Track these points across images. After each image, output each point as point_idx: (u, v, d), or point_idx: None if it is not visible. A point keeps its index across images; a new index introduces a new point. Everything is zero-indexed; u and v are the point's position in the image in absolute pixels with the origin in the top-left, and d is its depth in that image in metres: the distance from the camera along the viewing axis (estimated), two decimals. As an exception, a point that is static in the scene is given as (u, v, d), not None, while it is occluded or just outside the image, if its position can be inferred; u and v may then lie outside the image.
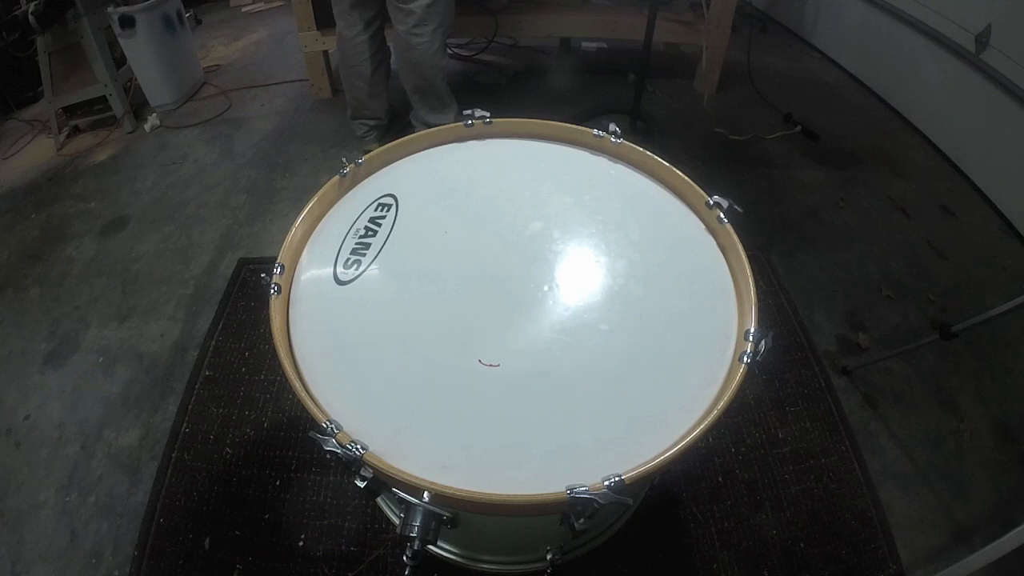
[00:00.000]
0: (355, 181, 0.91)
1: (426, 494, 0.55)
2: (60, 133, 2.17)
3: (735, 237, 0.77)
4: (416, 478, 0.56)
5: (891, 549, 1.06)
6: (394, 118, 1.99)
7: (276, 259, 0.76)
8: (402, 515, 0.59)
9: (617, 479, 0.54)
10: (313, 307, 0.74)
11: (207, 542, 1.06)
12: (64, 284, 1.60)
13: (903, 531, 1.09)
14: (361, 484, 0.59)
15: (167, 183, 1.94)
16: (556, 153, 0.96)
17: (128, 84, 2.25)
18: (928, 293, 1.53)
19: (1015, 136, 1.71)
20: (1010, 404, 1.29)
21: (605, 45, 2.69)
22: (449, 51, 2.51)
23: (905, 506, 1.12)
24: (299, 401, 0.61)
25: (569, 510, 0.55)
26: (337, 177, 0.88)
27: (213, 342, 1.40)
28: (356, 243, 0.80)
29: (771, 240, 1.67)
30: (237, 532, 1.07)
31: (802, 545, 1.06)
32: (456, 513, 0.61)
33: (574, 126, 0.96)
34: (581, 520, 0.55)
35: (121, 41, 2.09)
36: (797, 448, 1.19)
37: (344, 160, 0.88)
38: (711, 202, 0.80)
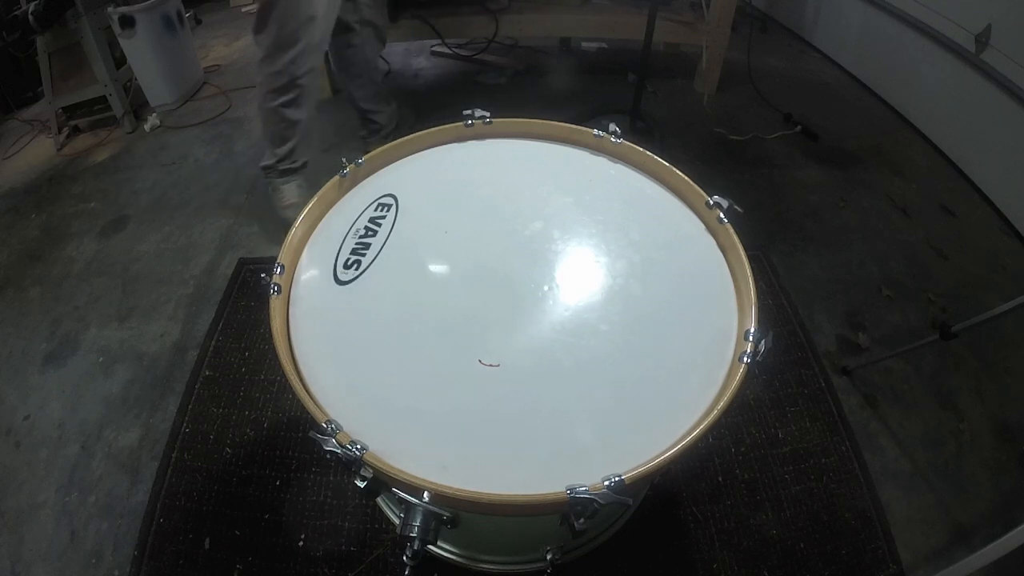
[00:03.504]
0: (355, 181, 0.91)
1: (426, 494, 0.55)
2: (60, 133, 2.17)
3: (735, 237, 0.77)
4: (416, 478, 0.56)
5: (891, 549, 1.06)
6: (397, 119, 1.98)
7: (276, 259, 0.76)
8: (402, 515, 0.59)
9: (617, 479, 0.54)
10: (313, 307, 0.74)
11: (207, 542, 1.06)
12: (64, 284, 1.60)
13: (903, 531, 1.08)
14: (361, 484, 0.59)
15: (167, 183, 1.94)
16: (556, 153, 0.96)
17: (128, 84, 2.24)
18: (928, 293, 1.52)
19: (1015, 136, 1.71)
20: (1010, 404, 1.28)
21: (605, 45, 2.69)
22: (450, 51, 2.51)
23: (905, 506, 1.12)
24: (299, 401, 0.61)
25: (569, 510, 0.55)
26: (337, 177, 0.88)
27: (213, 342, 1.40)
28: (356, 243, 0.81)
29: (771, 240, 1.67)
30: (237, 532, 1.07)
31: (802, 545, 1.06)
32: (456, 513, 0.61)
33: (574, 126, 0.96)
34: (581, 520, 0.55)
35: (121, 41, 2.09)
36: (797, 448, 1.19)
37: (344, 160, 0.88)
38: (711, 202, 0.80)
